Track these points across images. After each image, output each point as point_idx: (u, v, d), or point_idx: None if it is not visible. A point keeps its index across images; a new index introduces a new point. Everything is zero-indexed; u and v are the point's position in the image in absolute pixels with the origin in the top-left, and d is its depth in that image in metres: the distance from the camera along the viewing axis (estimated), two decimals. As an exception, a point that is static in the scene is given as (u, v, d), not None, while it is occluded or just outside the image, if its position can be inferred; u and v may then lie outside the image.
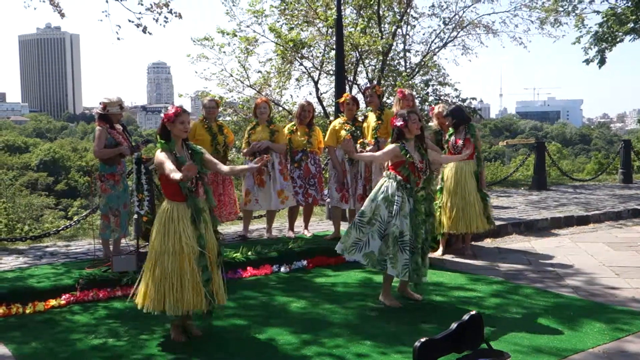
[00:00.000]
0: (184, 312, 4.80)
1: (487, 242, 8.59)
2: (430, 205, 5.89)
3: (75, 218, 9.42)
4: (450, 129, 7.77)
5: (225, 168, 5.23)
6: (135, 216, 6.70)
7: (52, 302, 5.79)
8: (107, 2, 9.62)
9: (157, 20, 9.85)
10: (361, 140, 7.73)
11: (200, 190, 4.95)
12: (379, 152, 5.77)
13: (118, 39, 9.61)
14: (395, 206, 5.63)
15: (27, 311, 5.62)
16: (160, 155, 4.74)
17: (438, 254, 7.78)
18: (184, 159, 4.80)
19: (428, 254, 5.86)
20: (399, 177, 5.70)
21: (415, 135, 5.75)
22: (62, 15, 10.05)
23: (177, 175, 4.56)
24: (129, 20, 9.62)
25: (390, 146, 5.77)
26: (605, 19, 22.12)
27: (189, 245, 4.72)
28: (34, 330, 5.19)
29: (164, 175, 4.76)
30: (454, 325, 4.36)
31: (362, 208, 5.89)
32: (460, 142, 7.54)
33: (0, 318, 5.48)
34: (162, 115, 4.94)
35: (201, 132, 7.74)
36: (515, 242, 8.64)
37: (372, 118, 7.73)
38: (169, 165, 4.66)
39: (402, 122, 5.70)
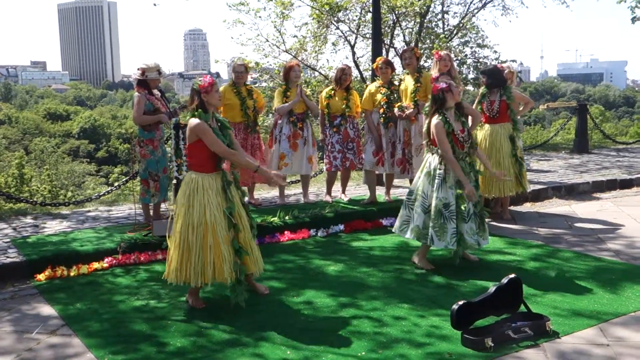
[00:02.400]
0: (206, 283, 4.78)
1: (527, 206, 8.48)
2: (476, 172, 5.81)
3: (116, 184, 9.56)
4: (483, 88, 7.63)
5: (242, 159, 4.95)
6: (175, 181, 6.79)
7: (95, 265, 5.93)
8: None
9: (192, -15, 9.82)
10: (399, 103, 7.65)
11: (229, 162, 4.98)
12: (446, 148, 5.63)
13: (154, 4, 9.64)
14: (437, 180, 5.61)
15: (72, 274, 5.77)
16: (202, 127, 4.69)
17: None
18: (217, 132, 4.81)
19: (482, 216, 5.77)
20: (440, 151, 5.65)
21: (456, 104, 5.69)
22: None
23: (233, 153, 4.74)
24: (165, -14, 9.62)
25: (434, 123, 5.64)
26: (652, -25, 21.27)
27: (213, 217, 4.69)
28: (78, 292, 5.33)
29: (194, 145, 4.74)
30: (492, 289, 4.36)
31: (411, 186, 5.93)
32: (496, 104, 7.39)
33: (46, 280, 5.64)
34: (194, 87, 4.88)
35: (230, 96, 7.71)
36: (556, 206, 8.52)
37: (409, 81, 7.62)
38: (214, 140, 4.70)
39: (446, 85, 5.64)
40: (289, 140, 7.87)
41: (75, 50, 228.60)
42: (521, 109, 7.63)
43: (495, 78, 7.50)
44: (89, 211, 8.31)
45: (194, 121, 4.73)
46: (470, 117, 6.15)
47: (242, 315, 4.72)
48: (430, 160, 5.75)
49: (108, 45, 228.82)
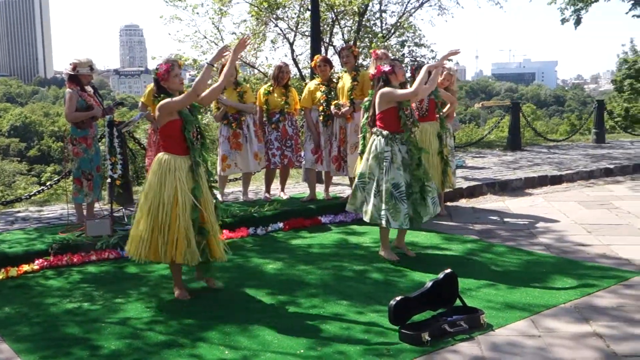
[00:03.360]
0: (175, 262, 4.87)
1: (462, 202, 8.66)
2: (420, 149, 5.89)
3: (48, 183, 9.28)
4: None
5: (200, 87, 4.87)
6: (109, 180, 6.64)
7: (25, 268, 5.73)
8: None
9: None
10: (336, 101, 7.68)
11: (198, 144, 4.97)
12: (409, 89, 5.78)
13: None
14: (385, 162, 5.69)
15: (0, 277, 5.56)
16: (164, 101, 4.76)
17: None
18: (186, 113, 4.83)
19: (430, 191, 5.86)
20: (385, 132, 5.74)
21: (400, 84, 5.82)
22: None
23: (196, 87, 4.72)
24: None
25: (381, 91, 5.76)
26: (581, -22, 22.05)
27: (183, 197, 4.76)
28: (7, 296, 5.13)
29: (164, 128, 4.82)
30: (429, 284, 4.42)
31: (360, 169, 6.00)
32: (425, 102, 7.43)
33: (-28, 284, 5.42)
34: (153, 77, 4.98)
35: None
36: (490, 201, 8.73)
37: (347, 79, 7.66)
38: (178, 98, 4.76)
39: (389, 68, 5.78)
40: (229, 141, 7.79)
41: (4, 45, 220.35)
42: (445, 109, 7.71)
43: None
44: (18, 212, 8.04)
45: (160, 103, 4.80)
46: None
47: (179, 316, 4.64)
48: (377, 143, 5.80)
49: (40, 40, 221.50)
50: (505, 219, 7.63)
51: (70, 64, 6.83)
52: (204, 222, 4.89)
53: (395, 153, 5.71)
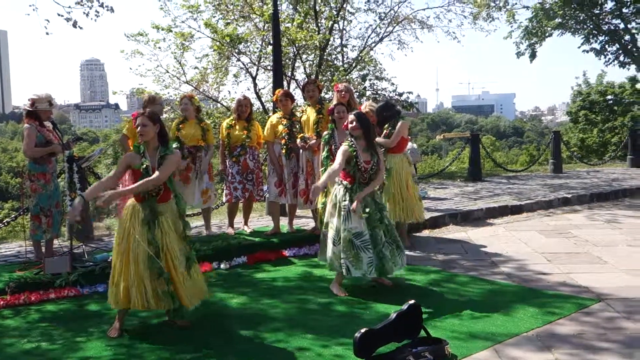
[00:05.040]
0: (123, 308, 4.90)
1: (425, 233, 8.73)
2: (382, 203, 5.98)
3: (5, 220, 9.09)
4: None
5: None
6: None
7: (-19, 307, 5.57)
8: (35, -7, 9.30)
9: (87, 15, 9.58)
10: (301, 134, 7.73)
11: (169, 194, 4.96)
12: (335, 162, 5.79)
13: (47, 33, 9.32)
14: (343, 212, 5.72)
15: (-45, 317, 5.39)
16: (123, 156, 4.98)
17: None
18: (147, 160, 4.86)
19: (399, 244, 5.92)
20: (345, 182, 5.78)
21: (365, 137, 5.80)
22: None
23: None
24: (59, 14, 9.32)
25: (341, 148, 5.81)
26: (534, 14, 22.79)
27: (135, 246, 4.75)
28: (-39, 337, 4.98)
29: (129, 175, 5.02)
30: (393, 315, 4.43)
31: (325, 218, 6.04)
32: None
33: None
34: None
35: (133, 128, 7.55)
36: (452, 232, 8.82)
37: (311, 112, 7.73)
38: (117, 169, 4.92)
39: (345, 124, 5.98)
40: (180, 173, 7.75)
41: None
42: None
43: (380, 115, 7.69)
44: (-26, 250, 7.82)
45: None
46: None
47: (140, 353, 4.55)
48: (336, 192, 5.85)
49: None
50: (468, 249, 7.71)
51: (29, 100, 6.75)
52: (167, 270, 4.82)
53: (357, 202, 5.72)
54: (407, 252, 7.47)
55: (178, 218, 5.00)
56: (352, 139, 5.81)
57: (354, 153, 5.73)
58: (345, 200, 5.74)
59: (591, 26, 23.53)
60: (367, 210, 5.71)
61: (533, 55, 24.33)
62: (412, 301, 4.59)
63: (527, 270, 6.62)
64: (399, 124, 7.61)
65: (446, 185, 13.36)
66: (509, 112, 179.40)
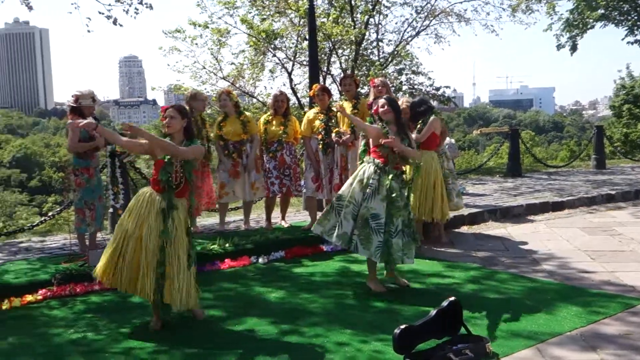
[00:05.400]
0: (132, 292, 4.95)
1: (464, 229, 8.65)
2: (409, 189, 5.90)
3: (50, 213, 9.29)
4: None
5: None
6: (111, 210, 6.66)
7: (29, 298, 5.72)
8: (76, -8, 9.48)
9: (127, 12, 9.73)
10: (336, 129, 7.73)
11: (186, 189, 4.98)
12: (370, 125, 5.84)
13: (88, 31, 9.49)
14: (369, 189, 5.66)
15: (4, 307, 5.55)
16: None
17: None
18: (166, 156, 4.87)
19: (416, 238, 5.86)
20: (377, 161, 5.73)
21: (396, 122, 5.78)
22: (30, 8, 9.88)
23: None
24: (99, 12, 9.48)
25: (376, 125, 5.82)
26: (575, 5, 22.32)
27: (147, 236, 4.78)
28: (10, 326, 5.12)
29: (155, 163, 4.94)
30: (433, 312, 4.40)
31: (340, 191, 5.95)
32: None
33: (-25, 315, 5.39)
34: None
35: None
36: (492, 228, 8.72)
37: (347, 107, 7.71)
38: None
39: (374, 109, 5.87)
40: (228, 169, 7.83)
41: (5, 78, 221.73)
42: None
43: (413, 111, 7.65)
44: (21, 242, 8.03)
45: None
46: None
47: (182, 346, 4.62)
48: (365, 169, 5.80)
49: (40, 72, 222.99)
50: (508, 246, 7.62)
51: (73, 96, 6.88)
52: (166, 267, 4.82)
53: (382, 184, 5.69)
54: (446, 249, 7.49)
55: (187, 214, 5.03)
56: (384, 124, 5.79)
57: (386, 133, 5.71)
58: (373, 179, 5.68)
59: (635, 17, 22.95)
60: (393, 195, 5.67)
61: (574, 48, 23.84)
62: (452, 298, 4.56)
63: (570, 268, 6.51)
64: (430, 119, 7.55)
65: (485, 181, 13.21)
66: (548, 107, 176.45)
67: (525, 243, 7.73)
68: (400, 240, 5.70)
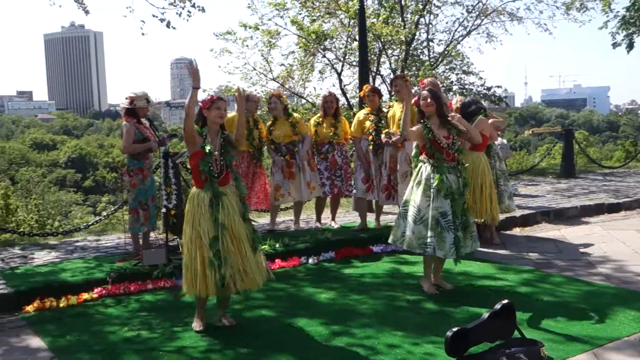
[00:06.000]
0: (201, 296, 4.93)
1: (516, 231, 8.51)
2: (465, 180, 5.81)
3: (104, 213, 9.51)
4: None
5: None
6: (164, 210, 6.76)
7: (85, 296, 5.86)
8: (130, -4, 9.67)
9: (180, 15, 9.86)
10: (386, 130, 7.69)
11: (229, 177, 5.00)
12: (410, 130, 5.81)
13: (142, 34, 9.65)
14: (432, 190, 5.63)
15: (61, 305, 5.69)
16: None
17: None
18: (209, 144, 4.86)
19: (471, 226, 5.78)
20: (431, 160, 5.70)
21: (439, 114, 5.72)
22: (87, 12, 10.12)
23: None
24: (153, 16, 9.63)
25: (416, 126, 5.78)
26: (633, 2, 21.68)
27: (204, 232, 4.78)
28: (68, 324, 5.26)
29: (191, 160, 4.93)
30: (486, 315, 4.34)
31: (404, 196, 5.92)
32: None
33: (34, 312, 5.56)
34: (199, 103, 5.03)
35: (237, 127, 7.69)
36: (545, 230, 8.55)
37: (397, 108, 7.67)
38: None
39: (415, 101, 5.82)
40: (283, 171, 7.88)
41: (61, 80, 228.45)
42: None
43: (463, 111, 7.57)
44: (77, 241, 8.24)
45: None
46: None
47: (235, 345, 4.67)
48: (422, 170, 5.77)
49: (94, 74, 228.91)
50: (562, 248, 7.46)
51: (127, 98, 7.03)
52: (227, 255, 4.79)
53: (445, 182, 5.66)
54: (498, 251, 7.38)
55: (239, 200, 5.01)
56: (425, 120, 5.72)
57: (429, 135, 5.65)
58: (432, 178, 5.65)
59: (695, 14, 22.18)
60: (452, 188, 5.61)
61: (630, 46, 23.14)
62: (505, 301, 4.48)
63: (627, 271, 6.34)
64: (477, 119, 7.45)
65: (537, 182, 12.97)
66: (602, 106, 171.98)
67: (580, 245, 7.56)
68: (462, 232, 5.67)
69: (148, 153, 7.05)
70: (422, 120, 5.76)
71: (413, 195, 5.77)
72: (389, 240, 6.09)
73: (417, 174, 5.79)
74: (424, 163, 5.77)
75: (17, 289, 5.81)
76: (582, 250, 7.34)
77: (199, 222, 4.80)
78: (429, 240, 5.62)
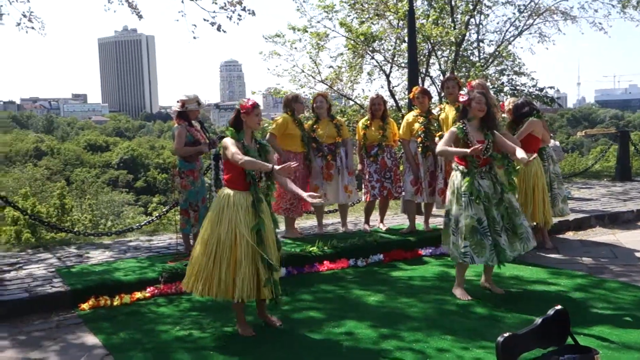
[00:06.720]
0: (235, 300, 4.83)
1: (570, 235, 8.33)
2: (502, 184, 5.70)
3: (156, 214, 9.70)
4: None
5: (253, 163, 4.84)
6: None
7: (138, 295, 5.98)
8: (182, 2, 9.82)
9: (230, 18, 9.97)
10: (440, 133, 7.61)
11: (261, 183, 5.03)
12: (439, 144, 5.74)
13: (194, 37, 9.79)
14: (464, 197, 5.56)
15: (115, 303, 5.82)
16: (227, 141, 4.86)
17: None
18: (252, 149, 4.91)
19: (520, 227, 5.65)
20: (460, 166, 5.63)
21: (482, 117, 5.62)
22: (140, 17, 10.33)
23: (243, 157, 4.72)
24: (204, 20, 9.77)
25: (449, 131, 5.71)
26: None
27: (242, 234, 4.75)
28: (121, 322, 5.38)
29: (228, 162, 4.88)
30: (538, 320, 4.26)
31: (446, 206, 5.90)
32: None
33: (90, 310, 5.71)
34: (236, 106, 5.05)
35: (292, 127, 7.75)
36: (599, 235, 8.35)
37: (450, 111, 7.58)
38: (234, 148, 4.78)
39: (465, 99, 5.65)
40: (322, 172, 7.89)
41: (114, 83, 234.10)
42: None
43: (515, 113, 7.49)
44: (130, 241, 8.42)
45: (224, 139, 4.93)
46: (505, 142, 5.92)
47: (283, 346, 4.71)
48: (454, 179, 5.71)
49: (146, 77, 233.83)
50: (617, 253, 7.27)
51: (179, 101, 7.14)
52: (270, 259, 4.85)
53: (475, 187, 5.57)
54: (551, 255, 7.24)
55: (267, 206, 5.03)
56: (465, 121, 5.63)
57: (462, 135, 5.57)
58: (463, 186, 5.58)
59: None
60: (484, 192, 5.53)
61: (690, 45, 22.40)
62: (558, 306, 4.39)
63: (686, 278, 6.15)
64: (528, 121, 7.32)
65: (591, 185, 12.66)
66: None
67: (635, 250, 7.36)
68: (505, 235, 5.58)
69: (199, 155, 7.15)
70: (461, 121, 5.68)
71: (450, 204, 5.74)
72: (442, 246, 6.12)
73: (452, 183, 5.75)
74: (455, 170, 5.71)
75: (73, 287, 5.97)
76: (638, 255, 7.14)
77: (235, 223, 4.76)
78: (463, 250, 5.56)
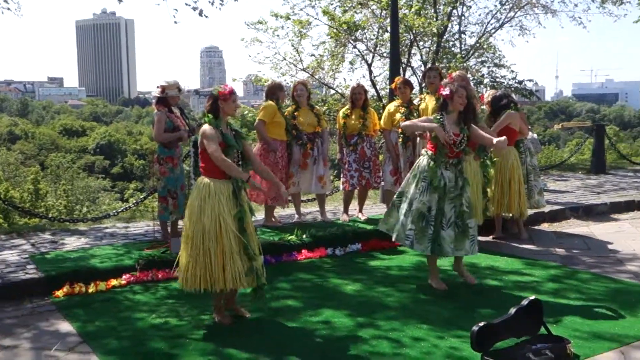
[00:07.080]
0: (225, 290, 4.83)
1: (545, 227, 8.44)
2: (464, 180, 5.74)
3: (133, 200, 9.63)
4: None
5: (256, 165, 5.08)
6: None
7: (114, 282, 5.94)
8: (164, -16, 9.73)
9: (212, 3, 9.91)
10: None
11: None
12: (419, 120, 5.79)
13: (175, 22, 9.70)
14: (423, 182, 5.60)
15: (90, 290, 5.78)
16: (207, 132, 4.78)
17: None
18: (229, 138, 4.87)
19: (471, 229, 5.69)
20: (430, 152, 5.66)
21: (461, 110, 5.64)
22: (120, 0, 10.21)
23: (224, 160, 4.71)
24: (186, 4, 9.69)
25: (427, 117, 5.76)
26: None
27: (226, 223, 4.72)
28: (96, 309, 5.34)
29: (204, 152, 4.81)
30: (512, 310, 4.33)
31: (400, 187, 5.94)
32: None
33: (64, 297, 5.66)
34: (213, 93, 4.98)
35: (278, 115, 7.71)
36: (573, 226, 8.46)
37: (430, 101, 7.61)
38: (214, 145, 4.74)
39: (448, 93, 5.64)
40: (299, 159, 7.89)
41: (92, 66, 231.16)
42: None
43: (493, 105, 7.57)
44: (106, 228, 8.36)
45: (203, 126, 4.86)
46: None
47: (261, 334, 4.72)
48: (419, 163, 5.75)
49: (125, 62, 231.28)
50: (590, 245, 7.38)
51: (159, 87, 7.08)
52: (252, 247, 4.83)
53: (437, 176, 5.59)
54: (525, 246, 7.32)
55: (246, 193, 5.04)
56: (443, 113, 5.65)
57: (438, 122, 5.58)
58: (426, 172, 5.61)
59: None
60: (445, 184, 5.56)
61: (666, 41, 22.68)
62: (532, 297, 4.47)
63: (657, 270, 6.26)
64: (505, 114, 7.39)
65: (567, 177, 12.81)
66: (634, 101, 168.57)
67: (609, 242, 7.47)
68: (452, 232, 5.61)
69: (178, 142, 7.11)
70: (440, 112, 5.70)
71: (407, 187, 5.76)
72: (379, 227, 6.10)
73: (416, 166, 5.77)
74: (423, 155, 5.75)
75: (47, 273, 5.92)
76: (610, 247, 7.25)
77: (217, 212, 4.72)
78: (407, 232, 5.63)
